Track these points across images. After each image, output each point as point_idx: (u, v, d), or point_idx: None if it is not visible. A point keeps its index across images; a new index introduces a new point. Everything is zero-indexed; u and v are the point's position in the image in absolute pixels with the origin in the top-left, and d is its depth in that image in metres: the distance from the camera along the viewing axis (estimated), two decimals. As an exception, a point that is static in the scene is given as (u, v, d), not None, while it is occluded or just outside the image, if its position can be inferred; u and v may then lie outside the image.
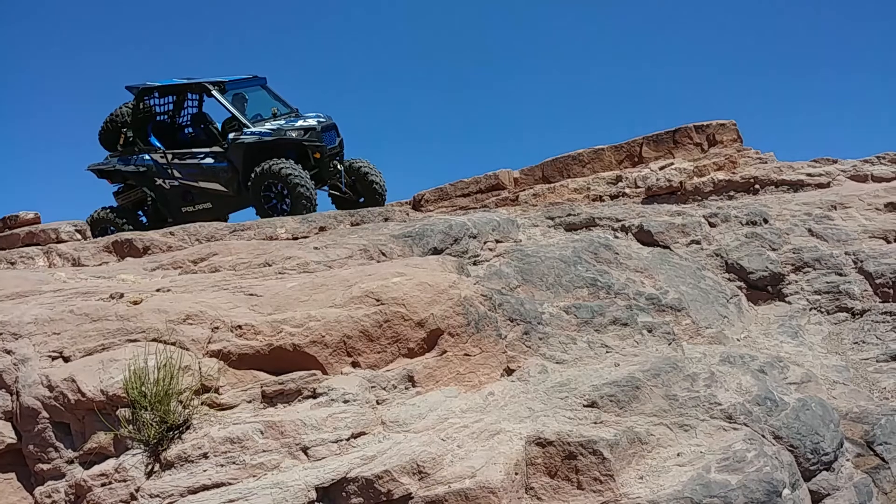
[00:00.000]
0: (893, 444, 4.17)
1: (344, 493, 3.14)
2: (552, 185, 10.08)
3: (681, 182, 8.82)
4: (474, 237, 5.93)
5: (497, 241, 6.11)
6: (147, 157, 9.44)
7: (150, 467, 3.20)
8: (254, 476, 3.14)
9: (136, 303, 4.06)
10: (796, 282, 6.55)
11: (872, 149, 11.81)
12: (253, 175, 8.57)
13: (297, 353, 3.76)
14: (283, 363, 3.77)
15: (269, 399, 3.64)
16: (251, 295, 4.39)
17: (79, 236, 8.97)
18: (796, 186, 8.44)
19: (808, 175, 8.56)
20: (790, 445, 3.79)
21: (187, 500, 3.03)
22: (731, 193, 8.52)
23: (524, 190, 10.42)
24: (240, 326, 3.89)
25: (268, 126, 9.01)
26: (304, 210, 8.31)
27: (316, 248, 5.39)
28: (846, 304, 6.32)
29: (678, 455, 3.60)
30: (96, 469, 3.25)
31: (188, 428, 3.34)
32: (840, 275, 6.51)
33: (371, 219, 6.91)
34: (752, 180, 8.52)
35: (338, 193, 9.73)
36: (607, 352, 4.51)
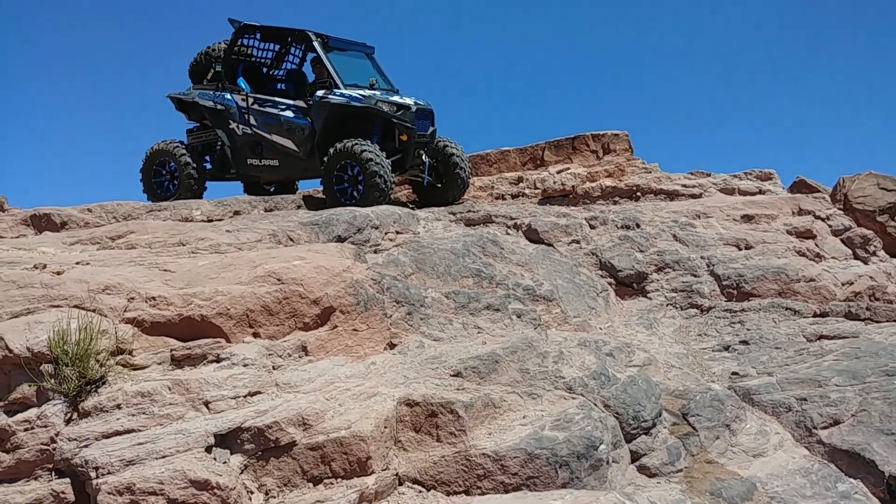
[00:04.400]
0: (703, 416, 5.09)
1: (238, 440, 3.74)
2: (460, 181, 10.80)
3: (573, 186, 9.74)
4: (376, 228, 6.57)
5: (397, 233, 6.77)
6: (229, 96, 8.80)
7: (68, 416, 3.71)
8: (161, 424, 3.69)
9: (58, 273, 4.51)
10: (658, 280, 7.53)
11: (748, 164, 13.17)
12: (331, 152, 7.85)
13: (205, 323, 4.33)
14: (192, 331, 4.33)
15: (178, 362, 4.18)
16: (165, 271, 4.90)
17: (-5, 209, 9.05)
18: (672, 196, 9.49)
19: (683, 186, 9.64)
20: (616, 412, 4.64)
21: (102, 443, 3.56)
22: (616, 199, 9.51)
23: (434, 185, 11.09)
24: (153, 298, 4.41)
25: (359, 92, 8.20)
26: (375, 202, 7.60)
27: (228, 231, 5.91)
28: (697, 301, 7.33)
29: (524, 417, 4.37)
30: (20, 416, 3.72)
31: (104, 383, 3.85)
32: (694, 276, 7.53)
33: (284, 206, 7.44)
34: (634, 188, 9.53)
35: (417, 179, 9.06)
36: (479, 332, 5.27)
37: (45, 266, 4.68)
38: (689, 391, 5.38)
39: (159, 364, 4.14)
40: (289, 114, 8.45)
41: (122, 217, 7.44)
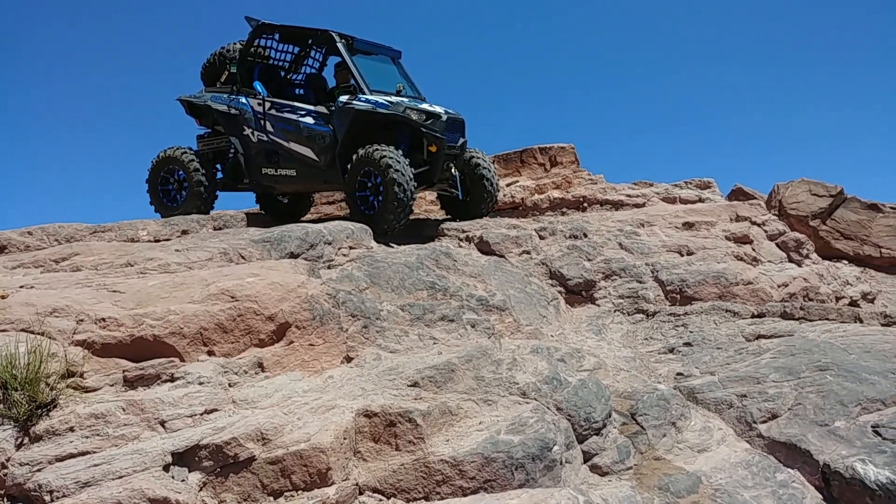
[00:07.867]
0: (651, 415, 5.28)
1: (196, 458, 3.72)
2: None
3: (522, 198, 9.96)
4: (329, 243, 6.61)
5: (351, 248, 6.82)
6: (244, 99, 8.26)
7: (19, 440, 3.63)
8: (116, 445, 3.65)
9: (3, 297, 4.42)
10: (605, 288, 7.77)
11: (689, 172, 13.70)
12: (354, 158, 7.46)
13: (158, 342, 4.29)
14: (144, 352, 4.29)
15: (130, 383, 4.14)
16: (114, 292, 4.85)
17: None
18: (617, 205, 9.81)
19: (628, 196, 9.97)
20: (568, 415, 4.79)
21: (55, 467, 3.50)
22: (564, 210, 9.77)
23: (385, 200, 11.16)
24: (103, 319, 4.36)
25: (386, 98, 7.72)
26: (393, 215, 7.36)
27: (177, 250, 5.87)
28: (643, 306, 7.59)
29: (480, 423, 4.47)
30: (-34, 444, 3.62)
31: (55, 407, 3.78)
32: (640, 282, 7.80)
33: (233, 224, 7.40)
34: (581, 199, 9.81)
35: (445, 192, 8.70)
36: (434, 343, 5.36)
37: (-12, 291, 4.58)
38: (637, 392, 5.57)
39: (112, 385, 4.09)
40: (309, 120, 7.97)
41: (64, 239, 7.28)
